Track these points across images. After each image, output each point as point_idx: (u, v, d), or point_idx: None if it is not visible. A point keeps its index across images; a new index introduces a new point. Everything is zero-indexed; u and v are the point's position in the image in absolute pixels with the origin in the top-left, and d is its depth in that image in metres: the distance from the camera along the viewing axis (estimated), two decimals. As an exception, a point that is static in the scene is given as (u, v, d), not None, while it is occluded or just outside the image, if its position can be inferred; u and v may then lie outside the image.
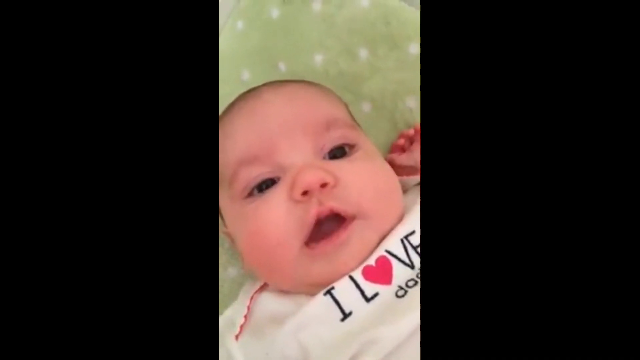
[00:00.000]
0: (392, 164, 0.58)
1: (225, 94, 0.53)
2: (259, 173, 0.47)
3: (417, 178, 0.54)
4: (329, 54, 0.65)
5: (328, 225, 0.44)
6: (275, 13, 0.67)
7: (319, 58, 0.65)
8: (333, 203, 0.44)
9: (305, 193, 0.43)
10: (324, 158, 0.47)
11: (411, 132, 0.61)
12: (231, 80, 0.68)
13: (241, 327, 0.47)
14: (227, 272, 0.63)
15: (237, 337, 0.46)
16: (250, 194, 0.47)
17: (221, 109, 0.54)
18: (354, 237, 0.44)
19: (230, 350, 0.46)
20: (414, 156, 0.59)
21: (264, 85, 0.54)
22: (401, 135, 0.62)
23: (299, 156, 0.46)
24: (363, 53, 0.63)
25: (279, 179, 0.46)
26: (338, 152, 0.48)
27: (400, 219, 0.47)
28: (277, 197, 0.45)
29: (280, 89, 0.52)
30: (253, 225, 0.46)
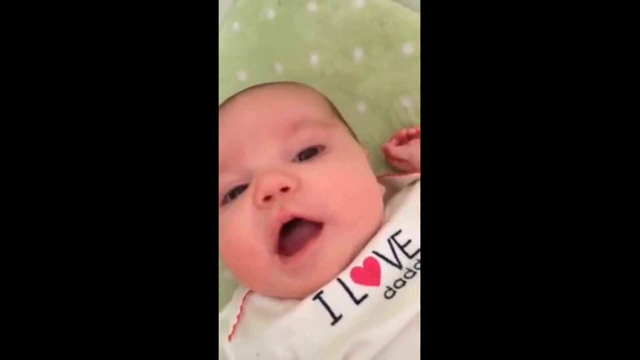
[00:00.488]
0: (387, 153, 0.58)
1: (222, 95, 0.53)
2: (230, 180, 0.46)
3: (410, 177, 0.53)
4: (325, 54, 0.65)
5: (299, 234, 0.44)
6: (271, 14, 0.67)
7: (315, 59, 0.65)
8: (294, 208, 0.42)
9: (267, 198, 0.42)
10: (293, 161, 0.46)
11: (412, 130, 0.60)
12: (227, 81, 0.68)
13: (234, 327, 0.47)
14: (223, 273, 0.64)
15: (230, 337, 0.46)
16: (224, 202, 0.47)
17: (215, 110, 0.54)
18: (326, 248, 0.43)
19: (224, 350, 0.46)
20: (409, 150, 0.58)
21: (245, 89, 0.53)
22: (403, 130, 0.61)
23: (264, 160, 0.45)
24: (358, 53, 0.63)
25: (248, 185, 0.45)
26: (309, 154, 0.46)
27: (378, 222, 0.46)
28: (243, 204, 0.44)
29: (251, 93, 0.51)
30: (225, 234, 0.45)
